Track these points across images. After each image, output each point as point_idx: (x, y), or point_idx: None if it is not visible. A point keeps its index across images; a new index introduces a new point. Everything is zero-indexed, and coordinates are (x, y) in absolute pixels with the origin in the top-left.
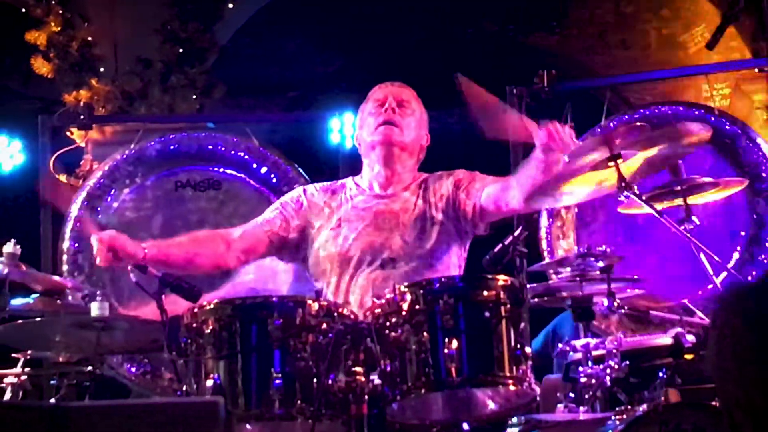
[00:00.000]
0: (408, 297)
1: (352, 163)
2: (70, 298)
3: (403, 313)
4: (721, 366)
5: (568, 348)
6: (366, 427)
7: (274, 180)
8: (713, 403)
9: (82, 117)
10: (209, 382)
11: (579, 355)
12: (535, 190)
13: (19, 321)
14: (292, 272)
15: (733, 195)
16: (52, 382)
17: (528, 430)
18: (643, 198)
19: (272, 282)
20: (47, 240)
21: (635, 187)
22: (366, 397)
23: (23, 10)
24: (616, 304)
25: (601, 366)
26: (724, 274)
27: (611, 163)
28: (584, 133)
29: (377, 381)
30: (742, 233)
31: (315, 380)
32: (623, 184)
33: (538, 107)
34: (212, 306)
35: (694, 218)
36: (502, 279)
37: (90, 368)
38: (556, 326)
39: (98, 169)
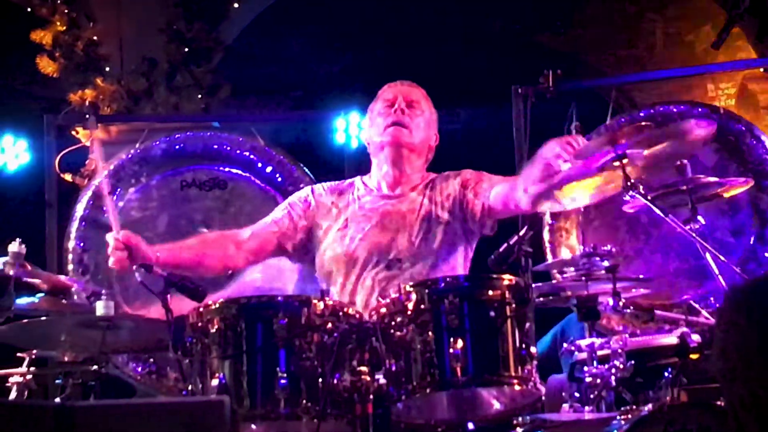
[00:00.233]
0: (413, 296)
1: (357, 163)
2: (75, 297)
3: (409, 312)
4: (726, 365)
5: (573, 348)
6: (371, 426)
7: (279, 179)
8: (718, 402)
9: (87, 116)
10: (214, 382)
11: (584, 355)
12: (542, 191)
13: (25, 320)
14: (298, 271)
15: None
16: (57, 381)
17: (533, 429)
18: (649, 197)
19: (278, 281)
20: (52, 239)
21: (641, 187)
22: (371, 396)
23: (29, 9)
24: (621, 303)
25: (606, 366)
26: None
27: (616, 163)
28: (589, 133)
29: (382, 380)
30: (745, 231)
31: (320, 380)
32: (629, 184)
33: (543, 107)
34: (217, 305)
35: (699, 218)
36: (507, 278)
37: (95, 367)
38: (564, 327)
39: (104, 168)
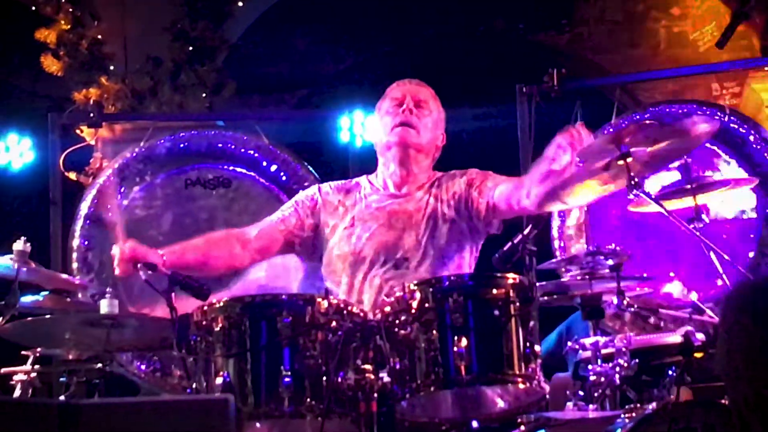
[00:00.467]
0: (417, 295)
1: (361, 161)
2: (79, 295)
3: (413, 311)
4: (731, 364)
5: (577, 346)
6: (375, 424)
7: (284, 178)
8: (723, 401)
9: (91, 115)
10: (219, 380)
11: (588, 353)
12: (548, 191)
13: (29, 318)
14: (303, 270)
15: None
16: (61, 379)
17: (537, 428)
18: (653, 197)
19: (282, 279)
20: (57, 238)
21: (644, 186)
22: (375, 395)
23: (33, 8)
24: (625, 302)
25: (611, 364)
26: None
27: (621, 162)
28: (594, 132)
29: (386, 379)
30: (752, 235)
31: (324, 378)
32: (633, 183)
33: (547, 106)
34: (222, 304)
35: (704, 216)
36: (511, 277)
37: (99, 366)
38: (570, 325)
39: (108, 166)
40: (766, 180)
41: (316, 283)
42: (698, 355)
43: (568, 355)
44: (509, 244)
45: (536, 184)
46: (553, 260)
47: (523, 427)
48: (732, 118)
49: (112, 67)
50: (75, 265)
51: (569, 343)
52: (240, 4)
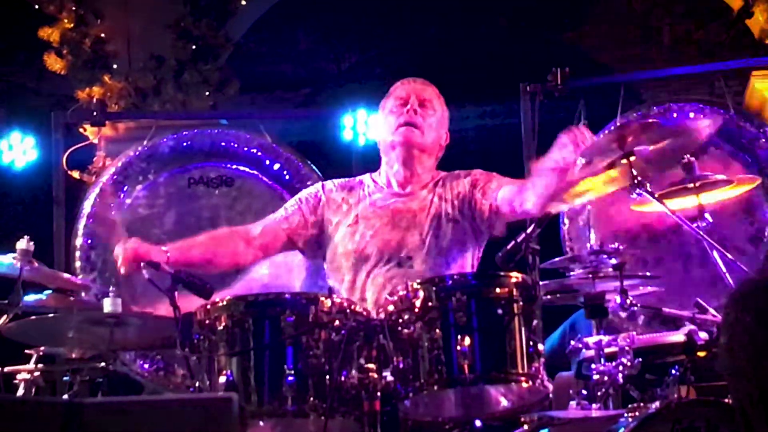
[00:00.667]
0: (421, 294)
1: (365, 160)
2: (83, 294)
3: (416, 310)
4: (734, 363)
5: (580, 345)
6: (378, 423)
7: (287, 177)
8: (726, 400)
9: (95, 113)
10: (222, 379)
11: (591, 353)
12: (551, 194)
13: (32, 317)
14: (306, 268)
15: (753, 196)
16: (65, 378)
17: (540, 427)
18: (656, 195)
19: (285, 277)
20: (60, 236)
21: (648, 185)
22: (379, 393)
23: (36, 6)
24: (628, 301)
25: (614, 363)
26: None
27: (624, 161)
28: (599, 131)
29: (390, 378)
30: (760, 236)
31: (328, 377)
32: (636, 182)
33: (551, 104)
34: (225, 303)
35: (707, 215)
36: (514, 276)
37: (103, 364)
38: (574, 323)
39: (111, 165)
40: None
41: (319, 282)
42: (701, 353)
43: (571, 354)
44: (512, 242)
45: (539, 188)
46: (556, 259)
47: (526, 426)
48: (736, 116)
49: (115, 66)
50: (78, 263)
51: (572, 342)
52: (243, 2)
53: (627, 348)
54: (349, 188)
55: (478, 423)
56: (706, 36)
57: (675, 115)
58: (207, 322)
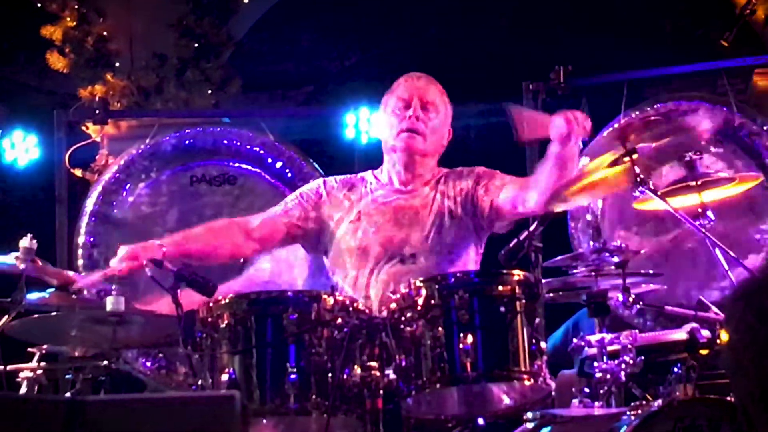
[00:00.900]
0: (423, 292)
1: (367, 158)
2: (85, 292)
3: (419, 307)
4: (736, 361)
5: (583, 343)
6: (381, 421)
7: (289, 175)
8: (728, 398)
9: (97, 112)
10: (224, 377)
11: (594, 350)
12: (553, 192)
13: (35, 315)
14: (308, 265)
15: (757, 194)
16: (67, 376)
17: (543, 425)
18: (659, 193)
19: (288, 274)
20: (63, 235)
21: (650, 183)
22: (381, 391)
23: (39, 5)
24: (630, 299)
25: (616, 361)
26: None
27: (626, 159)
28: (601, 129)
29: (392, 376)
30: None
31: (330, 375)
32: (639, 180)
33: (554, 103)
34: (227, 300)
35: (709, 213)
36: (517, 274)
37: (105, 363)
38: (577, 321)
39: (114, 163)
40: None
41: (322, 280)
42: (704, 352)
43: (573, 352)
44: (515, 240)
45: (542, 185)
46: (559, 257)
47: (528, 424)
48: (738, 113)
49: (117, 64)
50: (80, 261)
51: (575, 340)
52: (245, 0)
53: (629, 346)
54: (351, 185)
55: (480, 421)
56: (709, 34)
57: (677, 113)
58: (209, 319)
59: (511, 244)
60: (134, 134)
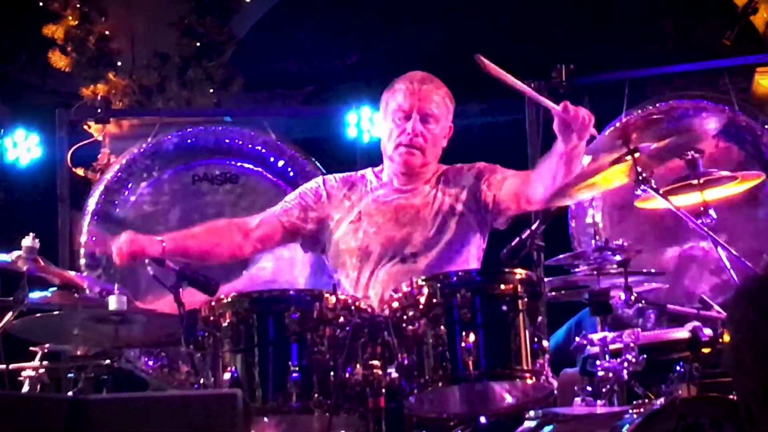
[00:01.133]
0: (425, 290)
1: (369, 157)
2: (87, 291)
3: (421, 306)
4: (739, 360)
5: (585, 342)
6: (383, 420)
7: (291, 174)
8: (731, 396)
9: (99, 111)
10: (226, 376)
11: (596, 349)
12: (558, 188)
13: (37, 314)
14: (310, 265)
15: (759, 193)
16: (69, 375)
17: (545, 423)
18: (661, 192)
19: (289, 272)
20: (65, 234)
21: (652, 181)
22: (383, 390)
23: (41, 3)
24: (633, 298)
25: (619, 360)
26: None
27: (629, 157)
28: (603, 128)
29: (394, 374)
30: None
31: (332, 373)
32: (640, 178)
33: (555, 101)
34: (229, 299)
35: (711, 212)
36: (519, 273)
37: (107, 362)
38: (580, 321)
39: (115, 162)
40: None
41: (324, 278)
42: (706, 350)
43: (576, 351)
44: (517, 239)
45: (545, 178)
46: (561, 255)
47: (530, 423)
48: (740, 112)
49: (119, 63)
50: (83, 260)
51: (577, 339)
52: None
53: (632, 344)
54: (351, 184)
55: (482, 419)
56: (710, 32)
57: (679, 111)
58: (212, 318)
59: (513, 243)
60: (136, 133)
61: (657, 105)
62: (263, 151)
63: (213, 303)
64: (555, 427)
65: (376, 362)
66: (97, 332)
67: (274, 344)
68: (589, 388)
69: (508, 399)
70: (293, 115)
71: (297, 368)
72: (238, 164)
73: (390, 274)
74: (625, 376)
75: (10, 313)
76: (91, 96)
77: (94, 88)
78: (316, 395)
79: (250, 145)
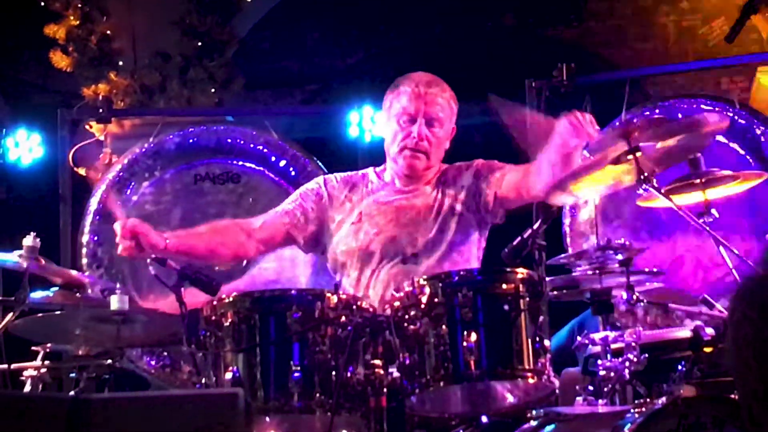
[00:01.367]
0: (427, 290)
1: (371, 156)
2: (89, 290)
3: (422, 306)
4: (740, 359)
5: (587, 341)
6: (385, 420)
7: (293, 173)
8: (732, 395)
9: (100, 110)
10: (228, 375)
11: (598, 348)
12: (557, 181)
13: (39, 314)
14: (311, 264)
15: (757, 190)
16: (71, 375)
17: (547, 423)
18: (662, 191)
19: (291, 272)
20: (66, 233)
21: (654, 180)
22: (385, 390)
23: (42, 3)
24: (635, 297)
25: (620, 359)
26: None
27: (630, 157)
28: (604, 127)
29: (396, 374)
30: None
31: (334, 373)
32: (642, 177)
33: (557, 101)
34: (231, 299)
35: (713, 211)
36: (521, 272)
37: (109, 361)
38: (582, 322)
39: (117, 162)
40: None
41: (325, 278)
42: (708, 349)
43: (577, 350)
44: (519, 238)
45: (545, 171)
46: (563, 255)
47: (532, 422)
48: (742, 112)
49: (121, 63)
50: (84, 260)
51: (579, 338)
52: None
53: (633, 344)
54: (352, 184)
55: (484, 419)
56: (711, 32)
57: (681, 111)
58: (213, 318)
59: (514, 242)
60: (138, 133)
61: (658, 104)
62: (265, 150)
63: (215, 302)
64: (556, 426)
65: (377, 362)
66: (98, 332)
67: (276, 344)
68: (590, 388)
69: (510, 398)
70: (295, 114)
71: (298, 368)
72: (240, 164)
73: (391, 274)
74: (627, 376)
75: (12, 313)
76: (93, 96)
77: (95, 88)
78: (317, 395)
79: (251, 145)
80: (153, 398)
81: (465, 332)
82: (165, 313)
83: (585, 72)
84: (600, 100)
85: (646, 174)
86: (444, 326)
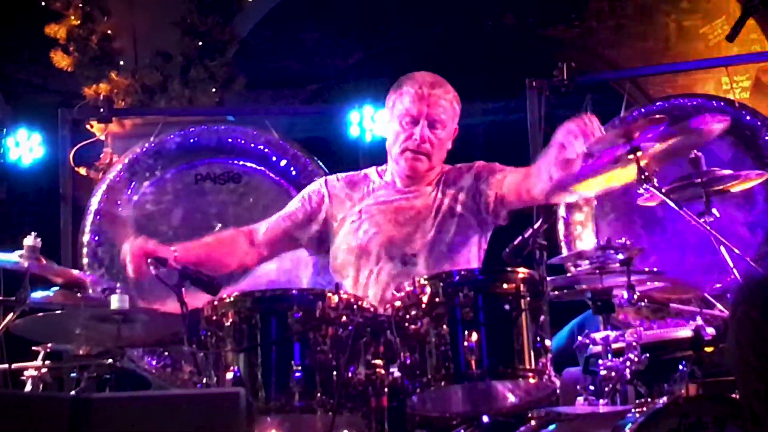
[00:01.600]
0: (428, 289)
1: (372, 156)
2: (90, 290)
3: (423, 305)
4: (742, 358)
5: (587, 341)
6: (386, 419)
7: (294, 173)
8: (734, 395)
9: (101, 110)
10: (229, 375)
11: (599, 348)
12: (557, 182)
13: (40, 314)
14: (313, 264)
15: (754, 187)
16: (72, 374)
17: (548, 422)
18: (663, 191)
19: (292, 272)
20: (67, 233)
21: (655, 180)
22: (386, 389)
23: (42, 3)
24: (635, 296)
25: (621, 359)
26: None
27: (630, 156)
28: (604, 126)
29: (397, 374)
30: (762, 225)
31: (335, 373)
32: (643, 177)
33: (557, 100)
34: (232, 299)
35: (714, 210)
36: (522, 272)
37: (110, 361)
38: (583, 322)
39: (118, 162)
40: None
41: (326, 278)
42: (709, 349)
43: (578, 350)
44: (519, 238)
45: (545, 173)
46: (564, 255)
47: (533, 422)
48: (742, 111)
49: (121, 63)
50: (85, 260)
51: (580, 338)
52: None
53: (634, 343)
54: (354, 184)
55: (485, 418)
56: (712, 31)
57: (681, 110)
58: (214, 318)
59: (515, 242)
60: (138, 132)
61: (659, 104)
62: (266, 150)
63: (216, 302)
64: (557, 426)
65: (378, 361)
66: (99, 331)
67: (277, 343)
68: (591, 387)
69: (511, 398)
70: (295, 114)
71: (300, 367)
72: (241, 163)
73: (390, 275)
74: (628, 375)
75: (13, 313)
76: (94, 95)
77: (96, 88)
78: (318, 394)
79: (252, 145)
80: (154, 398)
81: (466, 332)
82: (166, 312)
83: (585, 71)
84: (600, 99)
85: (646, 174)
86: (445, 326)
